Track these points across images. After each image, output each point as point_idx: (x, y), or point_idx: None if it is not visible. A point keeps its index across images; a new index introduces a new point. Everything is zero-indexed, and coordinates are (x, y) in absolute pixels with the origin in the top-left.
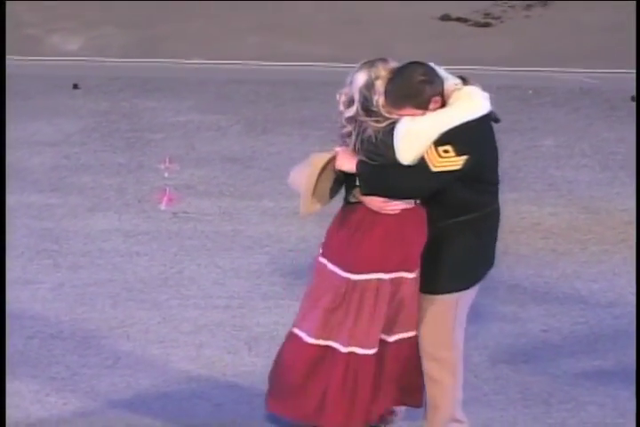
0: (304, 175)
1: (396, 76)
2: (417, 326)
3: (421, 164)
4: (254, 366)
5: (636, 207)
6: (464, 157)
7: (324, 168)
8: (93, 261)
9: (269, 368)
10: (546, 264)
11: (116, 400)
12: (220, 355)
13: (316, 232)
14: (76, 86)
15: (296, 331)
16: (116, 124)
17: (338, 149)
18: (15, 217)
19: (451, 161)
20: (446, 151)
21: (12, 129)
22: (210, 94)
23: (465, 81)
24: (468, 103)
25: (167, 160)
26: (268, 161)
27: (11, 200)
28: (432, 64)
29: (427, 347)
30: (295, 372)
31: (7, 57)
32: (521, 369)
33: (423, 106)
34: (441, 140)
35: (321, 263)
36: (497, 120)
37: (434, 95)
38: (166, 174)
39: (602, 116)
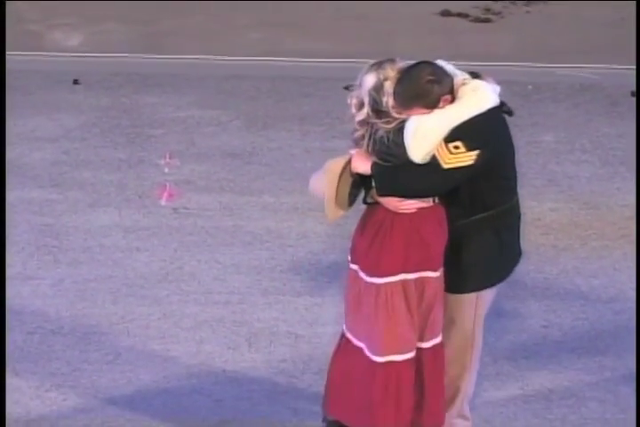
0: (324, 182)
1: (404, 77)
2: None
3: (433, 161)
4: (254, 362)
5: (636, 203)
6: (476, 152)
7: (341, 173)
8: (94, 256)
9: (269, 364)
10: (546, 260)
11: (116, 396)
12: (220, 351)
13: (317, 228)
14: (76, 82)
15: (347, 334)
16: (117, 119)
17: (352, 151)
18: (15, 213)
19: (462, 157)
20: (457, 147)
21: (12, 124)
22: (210, 90)
23: (476, 76)
24: (474, 98)
25: (167, 156)
26: (268, 157)
27: (11, 196)
28: (441, 61)
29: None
30: (346, 375)
31: (7, 52)
32: (521, 365)
33: (432, 105)
34: (451, 137)
35: (352, 270)
36: (510, 113)
37: (442, 94)
38: (166, 170)
39: (602, 112)
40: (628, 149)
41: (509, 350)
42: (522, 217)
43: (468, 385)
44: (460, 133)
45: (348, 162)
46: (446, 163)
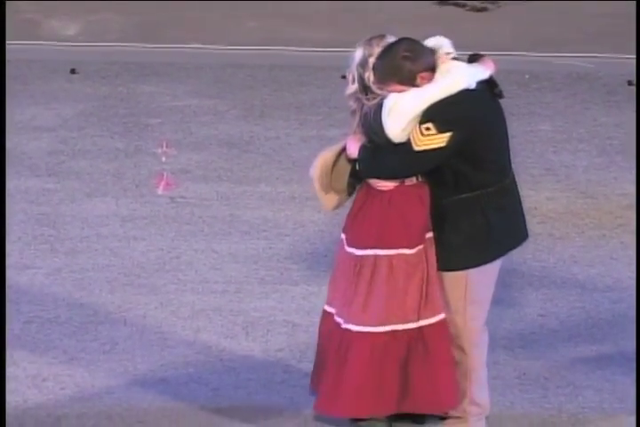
0: (316, 172)
1: (382, 53)
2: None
3: (406, 143)
4: (251, 351)
5: (636, 193)
6: (447, 134)
7: (335, 162)
8: (91, 245)
9: (266, 353)
10: (543, 249)
11: (113, 385)
12: (217, 340)
13: (314, 217)
14: (73, 71)
15: (326, 307)
16: (114, 108)
17: (348, 137)
18: (13, 202)
19: (433, 139)
20: (428, 129)
21: (9, 114)
22: (207, 79)
23: (475, 58)
24: (447, 79)
25: (164, 145)
26: (265, 146)
27: (8, 185)
28: (440, 37)
29: None
30: (324, 351)
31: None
32: (518, 354)
33: (407, 82)
34: (423, 118)
35: (341, 239)
36: (500, 95)
37: (418, 71)
38: (163, 159)
39: (599, 101)
40: (624, 138)
41: (506, 339)
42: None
43: (473, 371)
44: (431, 115)
45: (343, 149)
46: (417, 145)
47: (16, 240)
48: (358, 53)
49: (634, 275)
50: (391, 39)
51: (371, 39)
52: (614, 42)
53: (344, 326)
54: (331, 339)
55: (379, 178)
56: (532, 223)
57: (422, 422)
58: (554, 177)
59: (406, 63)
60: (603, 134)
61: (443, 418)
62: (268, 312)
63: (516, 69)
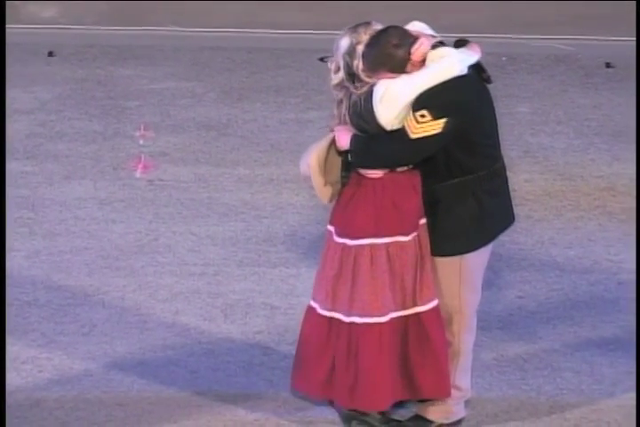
0: (310, 171)
1: (371, 41)
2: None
3: (401, 132)
4: (230, 334)
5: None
6: (442, 120)
7: (326, 156)
8: (69, 228)
9: (245, 335)
10: (521, 231)
11: (91, 368)
12: (195, 322)
13: (292, 199)
14: (51, 54)
15: (311, 302)
16: (92, 91)
17: (335, 128)
18: None
19: (429, 125)
20: (423, 116)
21: None
22: (185, 62)
23: (462, 44)
24: (440, 65)
25: (142, 127)
26: (243, 128)
27: None
28: (417, 22)
29: None
30: (311, 345)
31: None
32: (496, 335)
33: (398, 70)
34: (417, 105)
35: (328, 231)
36: (488, 80)
37: (409, 59)
38: (142, 142)
39: (577, 83)
40: (602, 120)
41: (484, 321)
42: None
43: (461, 355)
44: (425, 102)
45: (332, 142)
46: (413, 133)
47: None
48: (344, 42)
49: (612, 257)
50: (377, 26)
51: (357, 27)
52: (592, 24)
53: (347, 319)
54: (322, 335)
55: (373, 168)
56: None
57: (402, 404)
58: (532, 159)
59: (397, 51)
60: (581, 116)
61: (422, 401)
62: (246, 295)
63: (493, 52)
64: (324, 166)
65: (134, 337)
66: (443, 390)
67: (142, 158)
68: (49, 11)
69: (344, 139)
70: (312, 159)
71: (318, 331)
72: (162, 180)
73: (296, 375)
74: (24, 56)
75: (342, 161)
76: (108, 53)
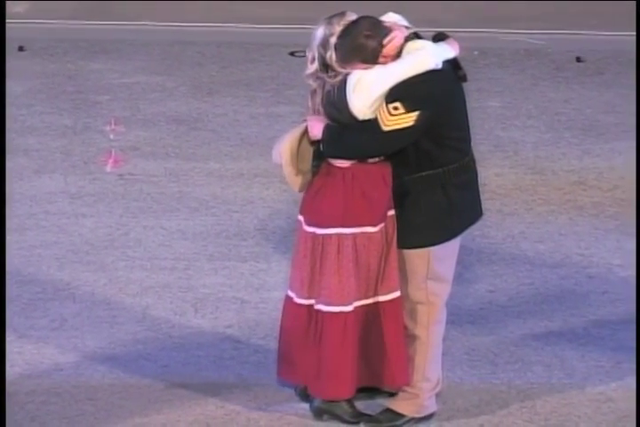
0: (281, 155)
1: (344, 32)
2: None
3: (374, 123)
4: (200, 328)
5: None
6: (415, 113)
7: (300, 142)
8: (39, 223)
9: (215, 329)
10: (492, 225)
11: (62, 362)
12: (166, 316)
13: (263, 194)
14: (21, 48)
15: (288, 292)
16: (62, 86)
17: (308, 118)
18: None
19: (402, 118)
20: (396, 108)
21: None
22: (155, 56)
23: (441, 38)
24: (415, 58)
25: (113, 122)
26: (213, 122)
27: None
28: (393, 14)
29: (403, 301)
30: (291, 334)
31: None
32: (467, 330)
33: (371, 61)
34: (390, 97)
35: (298, 221)
36: (463, 79)
37: (382, 49)
38: (112, 136)
39: (547, 77)
40: (573, 114)
41: (455, 315)
42: None
43: (430, 347)
44: (398, 94)
45: (305, 131)
46: (386, 125)
47: None
48: (319, 33)
49: (582, 251)
50: (352, 17)
51: (331, 18)
52: (563, 18)
53: (316, 306)
54: (301, 323)
55: (344, 158)
56: (481, 197)
57: (373, 398)
58: (502, 153)
59: (369, 42)
60: (551, 110)
61: (393, 394)
62: (216, 289)
63: (464, 46)
64: (297, 155)
65: (104, 331)
66: (399, 379)
67: (113, 153)
68: (19, 5)
69: (317, 128)
70: (284, 148)
71: (297, 320)
72: (132, 174)
73: (281, 365)
74: None
75: (314, 151)
76: (78, 48)
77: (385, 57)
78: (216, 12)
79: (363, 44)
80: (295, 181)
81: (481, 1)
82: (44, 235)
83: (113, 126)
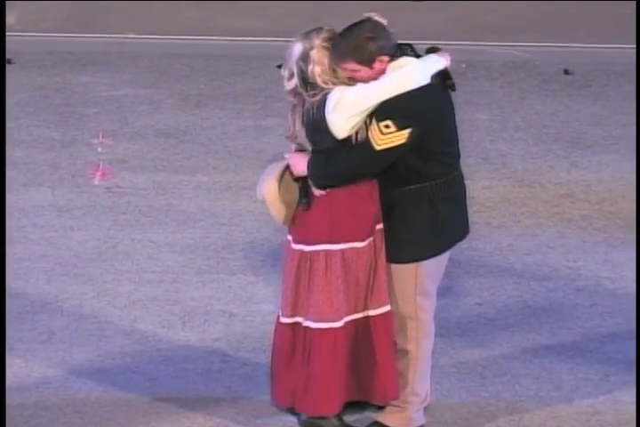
0: (264, 195)
1: (345, 31)
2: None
3: (365, 144)
4: (188, 341)
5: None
6: (407, 131)
7: (281, 178)
8: (27, 235)
9: (203, 342)
10: (480, 238)
11: (50, 375)
12: (154, 329)
13: (250, 207)
14: (9, 61)
15: (278, 312)
16: (50, 98)
17: (287, 155)
18: None
19: (394, 136)
20: (387, 127)
21: None
22: (143, 69)
23: (433, 51)
24: (399, 76)
25: (101, 135)
26: (201, 135)
27: None
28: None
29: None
30: (279, 354)
31: None
32: (455, 342)
33: (366, 62)
34: (381, 116)
35: (287, 240)
36: (452, 88)
37: (379, 54)
38: (100, 149)
39: (535, 90)
40: (561, 126)
41: (443, 328)
42: None
43: (419, 361)
44: (388, 112)
45: (286, 168)
46: (378, 144)
47: None
48: (297, 48)
49: (570, 263)
50: (329, 32)
51: (308, 33)
52: (551, 30)
53: (305, 323)
54: (286, 342)
55: (338, 185)
56: (468, 212)
57: (361, 411)
58: (490, 166)
59: (369, 43)
60: (539, 123)
61: (382, 407)
62: (204, 302)
63: (452, 58)
64: (279, 191)
65: (92, 344)
66: (389, 394)
67: (100, 166)
68: (7, 17)
69: (300, 165)
70: (267, 189)
71: (283, 339)
72: (120, 187)
73: (273, 388)
74: None
75: (299, 187)
76: (66, 60)
77: (380, 62)
78: (202, 23)
79: (362, 44)
80: (279, 216)
81: (468, 13)
82: (31, 248)
83: (101, 139)
